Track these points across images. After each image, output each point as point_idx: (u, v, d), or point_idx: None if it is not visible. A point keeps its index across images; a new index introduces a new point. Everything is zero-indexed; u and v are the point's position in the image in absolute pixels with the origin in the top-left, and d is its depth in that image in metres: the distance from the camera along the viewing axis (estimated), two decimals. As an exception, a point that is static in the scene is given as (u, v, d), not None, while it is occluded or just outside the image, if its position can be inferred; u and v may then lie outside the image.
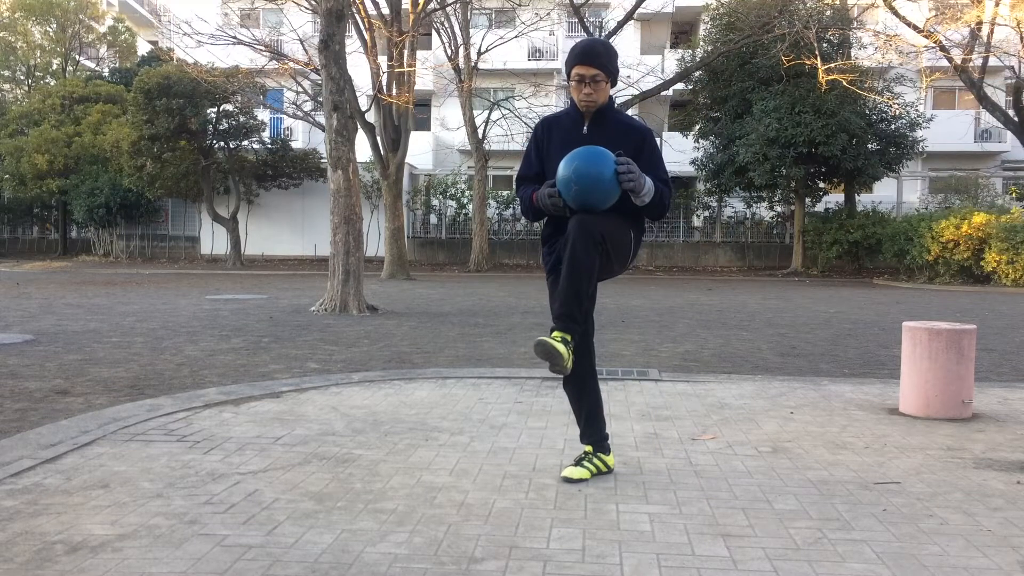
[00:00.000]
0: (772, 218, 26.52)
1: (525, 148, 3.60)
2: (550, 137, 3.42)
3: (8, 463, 3.50)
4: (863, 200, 24.85)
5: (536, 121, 26.92)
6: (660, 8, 26.69)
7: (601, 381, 5.57)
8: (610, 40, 22.96)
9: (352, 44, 15.43)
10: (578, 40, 3.45)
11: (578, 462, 3.44)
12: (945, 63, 22.95)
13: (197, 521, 2.85)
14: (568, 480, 3.35)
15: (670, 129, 30.36)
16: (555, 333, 3.16)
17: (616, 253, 3.27)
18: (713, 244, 26.93)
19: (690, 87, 25.44)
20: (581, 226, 3.15)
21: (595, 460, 3.44)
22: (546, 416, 4.59)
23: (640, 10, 22.15)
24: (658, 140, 28.74)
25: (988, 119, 26.40)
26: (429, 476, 3.42)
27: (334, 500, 3.09)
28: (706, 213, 27.65)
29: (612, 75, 3.28)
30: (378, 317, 10.41)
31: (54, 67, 32.41)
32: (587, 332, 3.44)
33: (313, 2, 17.37)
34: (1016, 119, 23.11)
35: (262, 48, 19.49)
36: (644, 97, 22.92)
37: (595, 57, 3.25)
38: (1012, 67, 22.94)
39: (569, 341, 3.16)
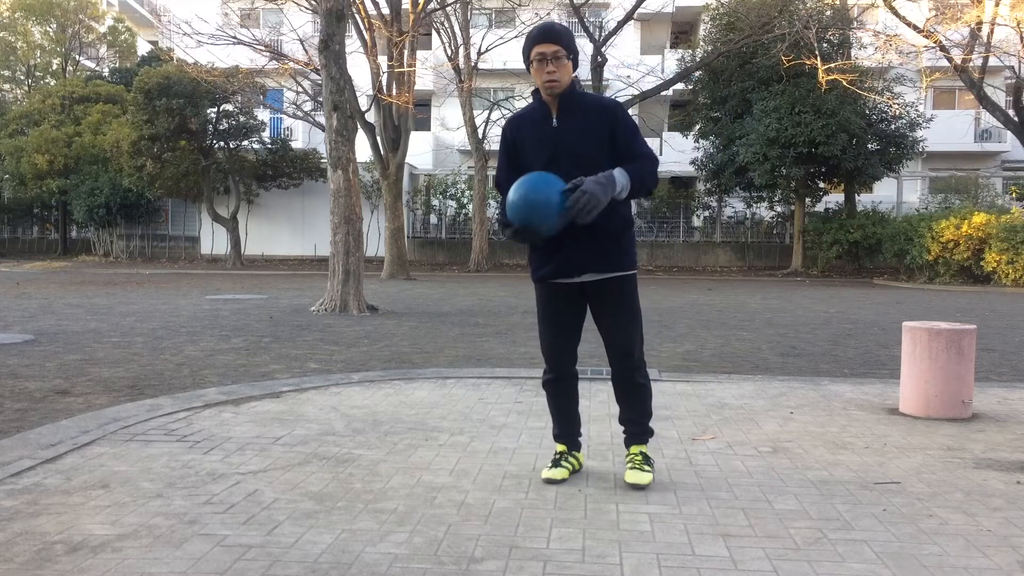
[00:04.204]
0: (772, 218, 26.52)
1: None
2: (521, 135, 3.32)
3: (8, 463, 3.50)
4: (863, 200, 24.85)
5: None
6: (660, 8, 26.71)
7: (601, 382, 5.60)
8: (610, 40, 23.14)
9: (352, 44, 15.44)
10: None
11: (556, 463, 3.43)
12: (945, 63, 22.94)
13: (197, 521, 2.85)
14: (551, 481, 3.34)
15: (670, 129, 30.35)
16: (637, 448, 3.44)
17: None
18: (713, 244, 26.92)
19: (690, 87, 25.44)
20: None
21: (570, 459, 3.47)
22: (546, 416, 4.58)
23: (640, 10, 22.16)
24: (658, 140, 28.41)
25: (988, 119, 26.40)
26: (429, 476, 3.42)
27: (334, 500, 3.09)
28: (706, 213, 27.65)
29: (574, 53, 3.20)
30: (378, 317, 10.41)
31: (54, 67, 32.42)
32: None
33: (313, 2, 17.37)
34: (1016, 119, 23.10)
35: (262, 48, 19.50)
36: (644, 97, 22.93)
37: (555, 35, 3.17)
38: (1012, 67, 22.93)
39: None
